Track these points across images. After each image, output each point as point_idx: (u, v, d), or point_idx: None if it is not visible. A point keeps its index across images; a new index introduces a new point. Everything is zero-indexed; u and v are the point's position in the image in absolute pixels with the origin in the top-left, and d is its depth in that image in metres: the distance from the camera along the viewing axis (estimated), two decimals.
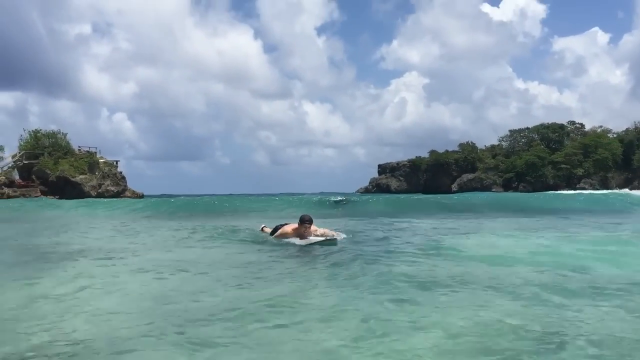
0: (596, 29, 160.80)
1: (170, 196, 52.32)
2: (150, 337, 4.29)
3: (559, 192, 60.01)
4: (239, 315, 4.90)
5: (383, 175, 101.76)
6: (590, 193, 46.54)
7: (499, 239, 11.26)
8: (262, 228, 12.21)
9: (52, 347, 4.07)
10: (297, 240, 10.25)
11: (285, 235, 10.69)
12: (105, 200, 41.09)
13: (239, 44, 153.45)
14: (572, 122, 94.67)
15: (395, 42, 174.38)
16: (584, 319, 4.68)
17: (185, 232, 13.46)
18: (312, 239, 10.17)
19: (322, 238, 10.26)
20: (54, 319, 4.87)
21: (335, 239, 10.38)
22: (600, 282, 6.23)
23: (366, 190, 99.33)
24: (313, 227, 10.40)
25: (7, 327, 4.62)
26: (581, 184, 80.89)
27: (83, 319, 4.81)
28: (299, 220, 10.45)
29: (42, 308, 5.29)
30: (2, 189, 51.36)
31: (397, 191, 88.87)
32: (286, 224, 11.10)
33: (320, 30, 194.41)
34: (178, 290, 6.10)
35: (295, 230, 10.51)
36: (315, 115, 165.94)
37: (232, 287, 6.28)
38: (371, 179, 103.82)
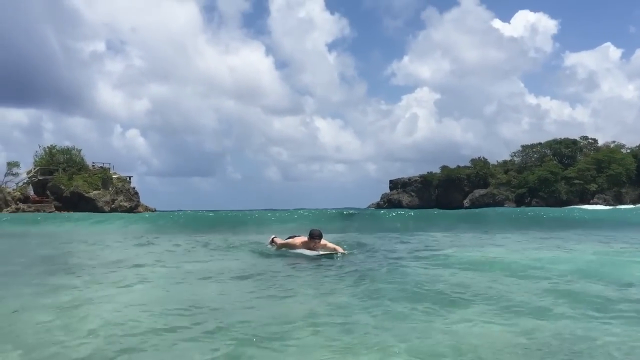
0: (608, 44, 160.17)
1: (183, 212, 52.57)
2: (177, 339, 4.40)
3: (588, 206, 59.32)
4: (262, 323, 4.95)
5: (394, 191, 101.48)
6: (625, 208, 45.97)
7: (525, 251, 11.13)
8: (273, 239, 12.09)
9: (84, 349, 4.19)
10: (305, 251, 10.22)
11: (293, 246, 10.68)
12: (115, 214, 41.36)
13: (250, 61, 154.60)
14: (585, 138, 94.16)
15: (406, 58, 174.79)
16: (612, 328, 4.69)
17: (197, 244, 13.58)
18: (322, 251, 10.14)
19: (332, 251, 10.21)
20: (83, 322, 4.98)
21: (344, 252, 10.30)
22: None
23: (378, 206, 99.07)
24: (323, 242, 10.34)
25: (39, 330, 4.76)
26: (595, 200, 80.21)
27: (112, 323, 4.92)
28: (309, 235, 10.38)
29: (73, 313, 5.41)
30: (17, 204, 51.94)
31: (409, 207, 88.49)
32: (297, 236, 11.09)
33: (332, 46, 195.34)
34: (199, 295, 6.22)
35: (304, 243, 10.46)
36: (327, 130, 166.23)
37: (251, 294, 6.37)
38: (383, 195, 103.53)
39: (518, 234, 17.52)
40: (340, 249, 10.39)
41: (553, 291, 6.19)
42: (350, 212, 31.81)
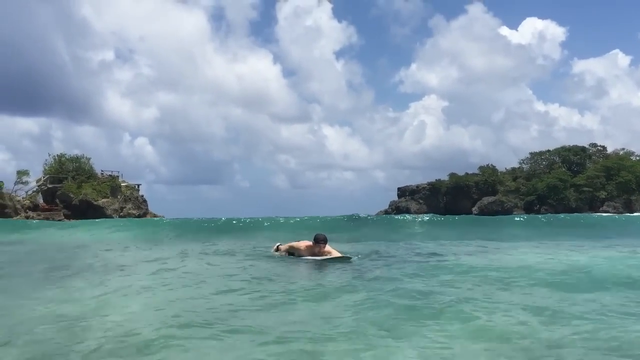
0: (617, 51, 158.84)
1: (191, 219, 52.52)
2: (192, 338, 4.52)
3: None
4: (268, 325, 5.05)
5: (403, 198, 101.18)
6: None
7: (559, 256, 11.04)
8: (277, 246, 12.04)
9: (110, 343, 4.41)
10: (309, 257, 10.24)
11: (297, 250, 10.69)
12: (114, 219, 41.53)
13: (258, 69, 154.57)
14: (594, 145, 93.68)
15: (413, 66, 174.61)
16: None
17: (205, 250, 13.63)
18: (326, 257, 10.14)
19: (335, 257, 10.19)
20: (106, 317, 5.30)
21: (350, 257, 10.31)
22: None
23: (386, 213, 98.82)
24: (327, 248, 10.33)
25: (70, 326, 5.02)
26: (604, 207, 79.70)
27: (130, 323, 5.14)
28: (314, 239, 10.40)
29: (95, 312, 5.68)
30: (27, 212, 52.24)
31: (417, 214, 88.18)
32: (302, 241, 11.08)
33: (339, 54, 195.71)
34: (210, 298, 6.38)
35: (308, 247, 10.48)
36: (335, 138, 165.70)
37: (250, 297, 6.45)
38: (391, 202, 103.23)
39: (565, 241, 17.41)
40: (342, 255, 10.33)
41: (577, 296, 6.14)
42: (361, 216, 31.62)
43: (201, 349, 4.23)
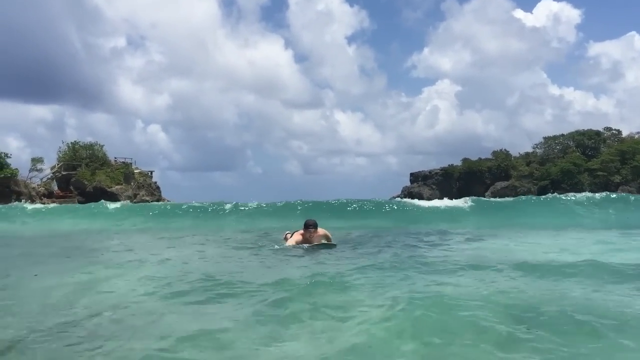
0: (633, 33, 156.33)
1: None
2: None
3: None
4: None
5: (415, 184, 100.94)
6: None
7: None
8: (285, 235, 12.11)
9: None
10: (304, 245, 10.46)
11: (298, 241, 10.80)
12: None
13: (269, 55, 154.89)
14: (609, 129, 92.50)
15: (426, 50, 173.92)
16: None
17: (216, 236, 13.82)
18: (318, 241, 10.52)
19: (323, 241, 10.54)
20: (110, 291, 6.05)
21: (334, 244, 10.57)
22: None
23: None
24: (319, 232, 10.60)
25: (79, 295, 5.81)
26: (619, 191, 78.91)
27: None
28: (304, 226, 10.65)
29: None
30: (42, 199, 52.92)
31: (430, 200, 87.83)
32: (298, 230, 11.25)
33: (351, 39, 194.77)
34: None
35: (302, 235, 10.68)
36: (347, 124, 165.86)
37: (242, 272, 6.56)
38: (403, 188, 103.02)
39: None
40: (328, 242, 10.67)
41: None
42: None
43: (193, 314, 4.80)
